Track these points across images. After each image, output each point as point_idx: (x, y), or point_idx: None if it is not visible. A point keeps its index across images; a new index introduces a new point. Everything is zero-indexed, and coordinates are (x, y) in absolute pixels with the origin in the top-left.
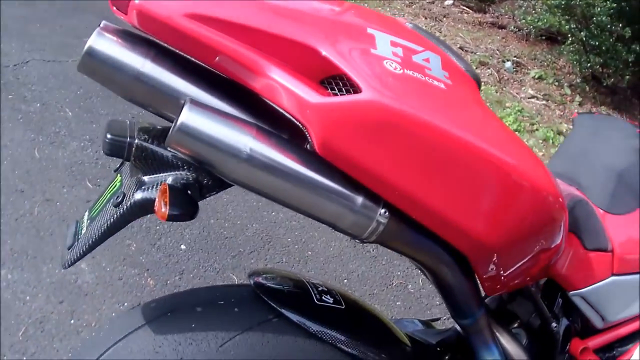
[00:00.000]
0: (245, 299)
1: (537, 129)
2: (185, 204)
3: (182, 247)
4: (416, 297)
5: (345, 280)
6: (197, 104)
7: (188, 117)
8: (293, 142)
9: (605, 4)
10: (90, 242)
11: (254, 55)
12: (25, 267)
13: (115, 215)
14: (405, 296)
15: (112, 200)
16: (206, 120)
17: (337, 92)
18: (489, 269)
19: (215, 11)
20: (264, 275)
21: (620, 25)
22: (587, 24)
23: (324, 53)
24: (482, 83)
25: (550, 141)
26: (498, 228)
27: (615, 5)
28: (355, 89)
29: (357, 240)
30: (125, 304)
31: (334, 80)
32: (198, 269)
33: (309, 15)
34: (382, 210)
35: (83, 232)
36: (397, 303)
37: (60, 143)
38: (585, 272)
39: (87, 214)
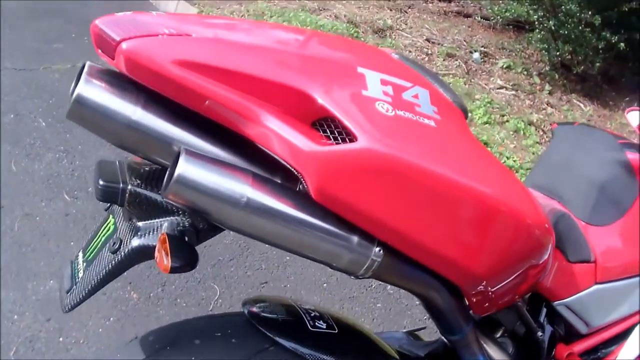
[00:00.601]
0: (241, 329)
1: (507, 120)
2: (186, 253)
3: None
4: (395, 298)
5: (325, 285)
6: (192, 154)
7: (185, 168)
8: (288, 188)
9: None
10: (89, 287)
11: (245, 101)
12: (10, 285)
13: (113, 262)
14: (384, 298)
15: (108, 246)
16: (202, 170)
17: (329, 134)
18: (478, 294)
19: (205, 58)
20: (257, 304)
21: (590, 13)
22: (555, 13)
23: (319, 100)
24: (451, 75)
25: (521, 132)
26: (488, 259)
27: None
28: (349, 134)
29: (352, 277)
30: (111, 318)
31: (325, 123)
32: (179, 280)
33: (298, 56)
34: (377, 249)
35: (80, 275)
36: (378, 305)
37: (36, 155)
38: (569, 283)
39: (81, 255)
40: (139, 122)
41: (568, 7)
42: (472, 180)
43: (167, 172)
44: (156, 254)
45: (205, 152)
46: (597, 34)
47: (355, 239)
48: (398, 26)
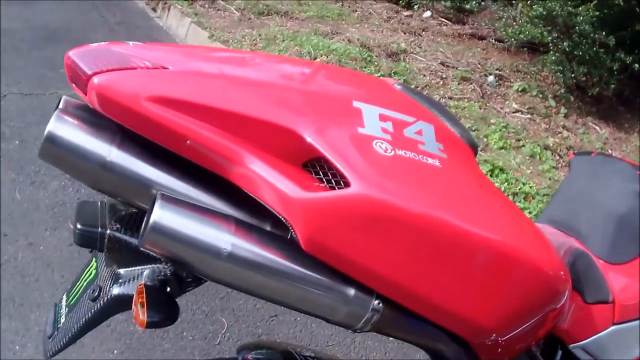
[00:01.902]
0: None
1: (523, 145)
2: (164, 307)
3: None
4: None
5: None
6: (169, 199)
7: (160, 215)
8: (277, 236)
9: (587, 12)
10: (70, 334)
11: (227, 142)
12: (13, 315)
13: (92, 310)
14: None
15: (88, 292)
16: (180, 217)
17: (321, 176)
18: (489, 346)
19: (181, 93)
20: (253, 352)
21: (604, 33)
22: (569, 34)
23: (307, 139)
24: (466, 99)
25: (538, 157)
26: (498, 311)
27: (597, 13)
28: (343, 178)
29: (350, 331)
30: (115, 351)
31: (318, 163)
32: (187, 312)
33: (287, 90)
34: (376, 302)
35: (62, 321)
36: (390, 339)
37: (41, 183)
38: (586, 325)
39: (64, 298)
40: (115, 163)
41: (582, 27)
42: (481, 227)
43: (145, 219)
44: (133, 306)
45: (185, 197)
46: (612, 55)
47: (351, 291)
48: (412, 49)
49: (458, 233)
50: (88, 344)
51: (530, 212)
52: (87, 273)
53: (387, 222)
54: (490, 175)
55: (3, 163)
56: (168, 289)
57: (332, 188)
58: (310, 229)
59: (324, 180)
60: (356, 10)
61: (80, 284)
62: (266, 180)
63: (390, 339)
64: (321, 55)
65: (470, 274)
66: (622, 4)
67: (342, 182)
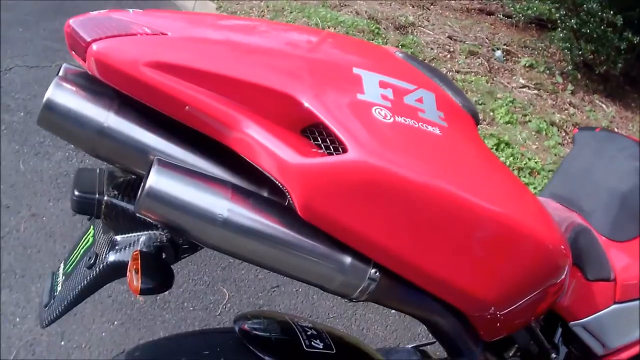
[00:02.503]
0: (231, 348)
1: (529, 120)
2: (159, 273)
3: None
4: None
5: None
6: (165, 164)
7: (156, 180)
8: (274, 203)
9: None
10: (65, 303)
11: (225, 107)
12: (14, 287)
13: (88, 278)
14: None
15: (84, 260)
16: (176, 183)
17: (320, 142)
18: (487, 319)
19: (180, 58)
20: (249, 321)
21: (612, 12)
22: (577, 11)
23: (305, 104)
24: (473, 74)
25: (544, 132)
26: (497, 284)
27: None
28: (341, 144)
29: (346, 300)
30: (115, 322)
31: (317, 129)
32: (188, 283)
33: (288, 56)
34: (373, 271)
35: (59, 289)
36: (392, 311)
37: (45, 154)
38: (587, 302)
39: (62, 267)
40: (112, 129)
41: (590, 5)
42: (481, 197)
43: (141, 185)
44: (127, 272)
45: (182, 163)
46: (619, 34)
47: (348, 259)
48: (420, 23)
49: (457, 202)
50: (88, 315)
51: (535, 188)
52: (84, 241)
53: (384, 189)
54: (496, 150)
55: (7, 135)
56: (164, 256)
57: (331, 154)
58: (306, 194)
59: (323, 146)
60: None
61: (78, 252)
62: (263, 145)
63: (392, 312)
64: (329, 27)
65: (469, 245)
66: None
67: (340, 149)
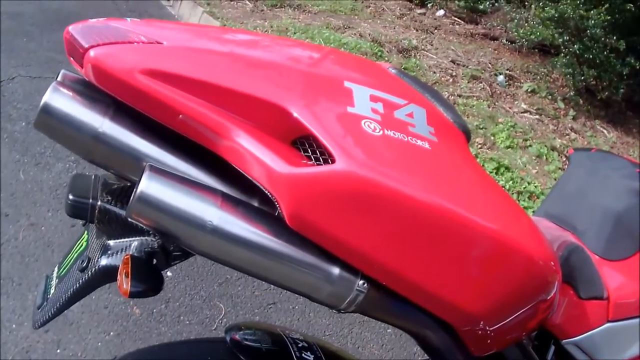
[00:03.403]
0: (221, 357)
1: (530, 145)
2: (148, 278)
3: (169, 274)
4: None
5: None
6: (157, 170)
7: (147, 186)
8: (263, 211)
9: (599, 16)
10: (58, 305)
11: (218, 116)
12: (11, 294)
13: (80, 281)
14: None
15: (77, 263)
16: (167, 189)
17: (310, 154)
18: (477, 334)
19: (175, 67)
20: (241, 332)
21: (615, 37)
22: (580, 37)
23: (295, 114)
24: (475, 98)
25: (544, 157)
26: (486, 299)
27: (609, 17)
28: (329, 155)
29: (334, 311)
30: (111, 333)
31: (307, 141)
32: (184, 297)
33: (280, 68)
34: (360, 282)
35: (52, 292)
36: (388, 330)
37: (46, 164)
38: (579, 321)
39: (56, 270)
40: (107, 134)
41: (593, 31)
42: (469, 210)
43: (134, 190)
44: (118, 276)
45: (174, 170)
46: (622, 59)
47: (336, 270)
48: (423, 47)
49: (445, 215)
50: (84, 325)
51: (533, 211)
52: (78, 245)
53: (371, 200)
54: (496, 174)
55: (8, 144)
56: (154, 261)
57: (319, 165)
58: (294, 204)
59: (312, 158)
60: (369, 6)
61: (72, 256)
62: (253, 154)
63: (388, 331)
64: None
65: (457, 257)
66: (633, 9)
67: (329, 160)
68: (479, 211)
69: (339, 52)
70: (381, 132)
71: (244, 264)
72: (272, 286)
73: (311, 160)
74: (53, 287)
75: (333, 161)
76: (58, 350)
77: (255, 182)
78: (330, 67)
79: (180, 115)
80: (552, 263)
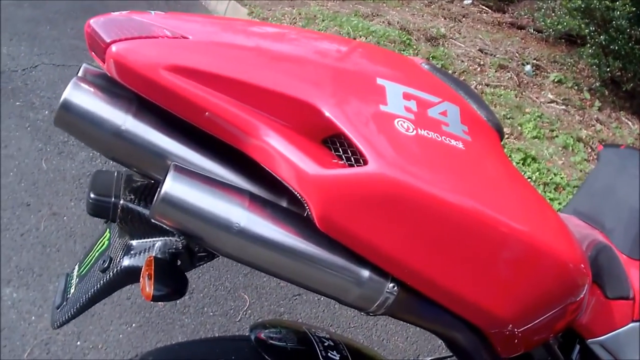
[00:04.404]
0: (246, 356)
1: (556, 136)
2: (172, 281)
3: None
4: None
5: None
6: (182, 170)
7: (172, 187)
8: (291, 212)
9: (624, 7)
10: (77, 305)
11: (246, 114)
12: (31, 285)
13: (102, 281)
14: None
15: (99, 263)
16: (192, 189)
17: (341, 153)
18: (505, 336)
19: (200, 63)
20: (266, 330)
21: None
22: (606, 28)
23: (326, 114)
24: (502, 87)
25: (570, 148)
26: (515, 302)
27: (634, 9)
28: (362, 155)
29: (362, 314)
30: (133, 324)
31: (338, 140)
32: (209, 288)
33: (311, 65)
34: (390, 285)
35: (72, 291)
36: None
37: (69, 153)
38: (605, 320)
39: (77, 269)
40: (129, 132)
41: (619, 22)
42: (503, 214)
43: (158, 190)
44: (140, 279)
45: (200, 169)
46: None
47: (365, 273)
48: (451, 35)
49: (478, 218)
50: (106, 316)
51: (560, 203)
52: (100, 244)
53: (403, 203)
54: (523, 164)
55: (30, 132)
56: (179, 263)
57: (352, 166)
58: (325, 206)
59: (343, 157)
60: None
61: (93, 255)
62: (283, 155)
63: None
64: (360, 37)
65: (489, 261)
66: None
67: (361, 161)
68: (512, 214)
69: (370, 46)
70: (415, 132)
71: (271, 266)
72: None
73: (342, 159)
74: (73, 287)
75: (365, 162)
76: (78, 342)
77: (284, 183)
78: (362, 62)
79: (207, 113)
80: (583, 266)
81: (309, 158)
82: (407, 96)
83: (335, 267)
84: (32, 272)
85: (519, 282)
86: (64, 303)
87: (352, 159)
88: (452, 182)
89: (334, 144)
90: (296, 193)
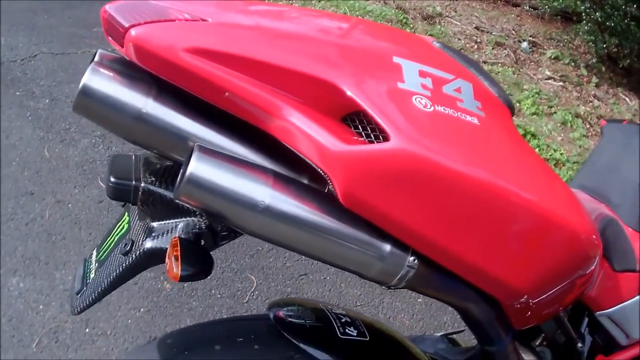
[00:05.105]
0: (265, 335)
1: (555, 112)
2: (198, 260)
3: None
4: None
5: None
6: (206, 151)
7: (197, 167)
8: (314, 190)
9: None
10: (99, 290)
11: (266, 94)
12: (38, 274)
13: (124, 265)
14: None
15: (120, 246)
16: (217, 169)
17: (361, 130)
18: (519, 307)
19: (221, 44)
20: (284, 309)
21: (635, 6)
22: (601, 4)
23: (348, 92)
24: (499, 65)
25: (569, 124)
26: (531, 272)
27: None
28: (382, 132)
29: (383, 287)
30: (142, 309)
31: (357, 117)
32: (215, 270)
33: (329, 44)
34: (411, 258)
35: (92, 276)
36: (419, 300)
37: (71, 140)
38: (613, 293)
39: (95, 254)
40: (150, 115)
41: None
42: (518, 186)
43: (181, 171)
44: (166, 259)
45: (222, 149)
46: None
47: (387, 247)
48: (447, 13)
49: (496, 191)
50: (114, 302)
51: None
52: (119, 227)
53: (425, 177)
54: None
55: (32, 121)
56: (202, 242)
57: (371, 142)
58: (349, 181)
59: (363, 134)
60: None
61: (112, 239)
62: (305, 132)
63: (418, 301)
64: (357, 17)
65: (506, 232)
66: None
67: (381, 137)
68: (526, 186)
69: (384, 26)
70: (432, 108)
71: (295, 243)
72: (303, 257)
73: (361, 136)
74: (93, 272)
75: (385, 138)
76: (87, 330)
77: (306, 160)
78: (378, 41)
79: (227, 93)
80: (594, 237)
81: (332, 135)
82: (422, 74)
83: (358, 242)
84: (38, 261)
85: (534, 252)
86: (84, 288)
87: (372, 135)
88: (470, 157)
89: (353, 121)
90: (319, 170)
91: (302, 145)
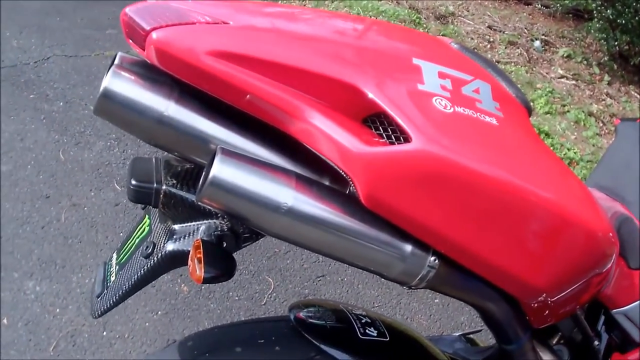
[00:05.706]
0: (286, 336)
1: (568, 111)
2: (221, 262)
3: None
4: None
5: (383, 279)
6: (229, 153)
7: (220, 170)
8: (336, 191)
9: None
10: (120, 292)
11: (288, 96)
12: (54, 277)
13: (145, 267)
14: None
15: (141, 249)
16: (240, 172)
17: (382, 132)
18: (537, 305)
19: (242, 48)
20: (305, 310)
21: None
22: (612, 2)
23: (370, 95)
24: (512, 64)
25: (582, 123)
26: (549, 271)
27: None
28: (403, 133)
29: (404, 287)
30: (159, 312)
31: (378, 119)
32: None
33: (349, 47)
34: (432, 258)
35: (112, 279)
36: (435, 300)
37: (86, 143)
38: (629, 291)
39: (115, 257)
40: (172, 118)
41: None
42: (537, 186)
43: (203, 174)
44: (189, 262)
45: (244, 151)
46: None
47: (408, 247)
48: (460, 13)
49: (515, 191)
50: (131, 305)
51: None
52: (139, 230)
53: (447, 178)
54: None
55: (46, 125)
56: (224, 245)
57: (392, 144)
58: (371, 183)
59: (384, 136)
60: None
61: (132, 242)
62: (327, 134)
63: (435, 301)
64: (370, 17)
65: (525, 231)
66: None
67: (402, 138)
68: (545, 186)
69: (402, 27)
70: (452, 109)
71: (318, 244)
72: (320, 259)
73: (382, 138)
74: (113, 275)
75: (406, 140)
76: (104, 333)
77: (327, 161)
78: (397, 43)
79: (248, 96)
80: (611, 235)
81: (353, 136)
82: (442, 75)
83: (380, 242)
84: (55, 264)
85: (553, 251)
86: (105, 292)
87: (393, 137)
88: (490, 157)
89: (374, 122)
90: (341, 171)
91: (324, 147)
